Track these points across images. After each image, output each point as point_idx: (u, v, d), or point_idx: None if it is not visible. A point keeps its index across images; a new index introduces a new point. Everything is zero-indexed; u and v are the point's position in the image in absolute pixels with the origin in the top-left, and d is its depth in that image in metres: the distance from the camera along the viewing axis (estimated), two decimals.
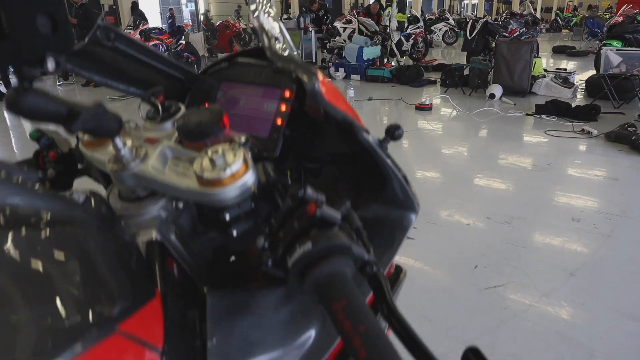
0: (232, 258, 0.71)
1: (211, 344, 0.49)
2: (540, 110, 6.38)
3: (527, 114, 6.46)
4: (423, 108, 6.85)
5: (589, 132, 5.41)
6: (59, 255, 0.39)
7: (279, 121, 0.73)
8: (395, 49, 10.45)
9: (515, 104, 7.02)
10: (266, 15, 0.63)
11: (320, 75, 0.54)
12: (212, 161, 0.52)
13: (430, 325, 2.23)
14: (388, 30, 10.34)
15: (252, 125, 0.75)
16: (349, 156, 0.78)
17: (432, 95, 7.90)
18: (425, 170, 4.42)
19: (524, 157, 4.74)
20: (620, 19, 9.10)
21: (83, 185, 0.83)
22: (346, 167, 0.82)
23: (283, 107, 0.73)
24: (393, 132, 0.72)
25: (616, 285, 2.53)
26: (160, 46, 9.31)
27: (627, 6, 9.57)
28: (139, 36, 8.97)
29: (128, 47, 0.76)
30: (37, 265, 0.37)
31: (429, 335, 2.15)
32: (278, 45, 0.58)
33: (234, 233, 0.56)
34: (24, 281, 0.35)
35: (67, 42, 0.46)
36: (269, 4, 0.70)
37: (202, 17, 17.05)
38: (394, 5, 10.22)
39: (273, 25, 0.63)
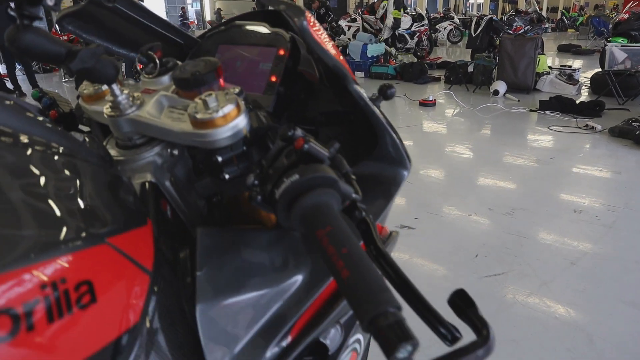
0: (227, 213, 0.73)
1: (200, 275, 0.50)
2: (544, 106, 6.37)
3: (531, 110, 6.45)
4: (426, 104, 6.86)
5: (592, 128, 5.40)
6: (59, 175, 0.41)
7: (273, 78, 0.74)
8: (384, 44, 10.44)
9: (519, 101, 7.01)
10: None
11: (308, 14, 0.55)
12: (205, 103, 0.54)
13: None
14: (383, 25, 10.33)
15: (249, 84, 0.77)
16: (342, 116, 0.80)
17: (436, 92, 7.90)
18: (428, 164, 4.43)
19: (526, 152, 4.73)
20: (626, 16, 9.05)
21: None
22: (340, 128, 0.84)
23: (277, 65, 0.75)
24: (385, 91, 0.73)
25: (617, 274, 2.53)
26: None
27: (633, 3, 9.52)
28: None
29: (129, 9, 0.78)
30: (36, 180, 0.39)
31: None
32: None
33: (226, 176, 0.58)
34: (21, 192, 0.37)
35: None
36: None
37: (214, 16, 17.06)
38: (390, 1, 10.21)
39: None
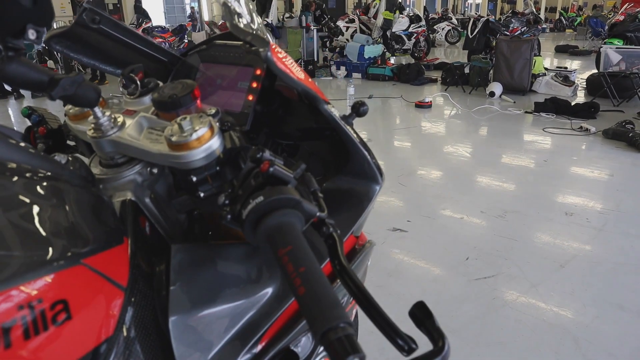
0: (207, 228, 0.76)
1: (174, 289, 0.54)
2: (539, 108, 6.41)
3: (526, 112, 6.49)
4: (423, 106, 6.90)
5: (587, 130, 5.44)
6: (37, 198, 0.45)
7: (250, 97, 0.78)
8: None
9: (515, 102, 7.05)
10: None
11: (273, 45, 0.59)
12: (180, 126, 0.58)
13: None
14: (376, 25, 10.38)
15: (227, 102, 0.81)
16: (319, 132, 0.83)
17: (433, 94, 7.94)
18: (422, 166, 4.46)
19: (520, 154, 4.77)
20: (621, 18, 9.10)
21: None
22: (319, 144, 0.87)
23: (254, 84, 0.78)
24: (358, 109, 0.77)
25: (605, 276, 2.57)
26: (163, 44, 9.40)
27: (628, 5, 9.57)
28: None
29: (113, 30, 0.81)
30: (15, 204, 0.42)
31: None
32: (242, 20, 0.63)
33: (201, 195, 0.61)
34: (4, 214, 0.40)
35: (47, 14, 0.52)
36: None
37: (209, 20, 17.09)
38: (383, 1, 10.25)
39: (239, 4, 0.69)
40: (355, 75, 9.80)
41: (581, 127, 5.53)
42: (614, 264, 2.69)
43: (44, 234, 0.41)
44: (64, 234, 0.44)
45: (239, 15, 0.64)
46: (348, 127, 0.73)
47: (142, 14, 10.28)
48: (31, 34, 0.51)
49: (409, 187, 3.89)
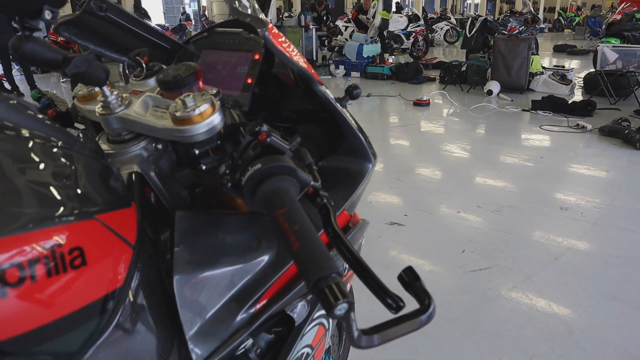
0: (209, 204, 0.80)
1: (177, 251, 0.58)
2: (537, 106, 6.46)
3: (524, 110, 6.53)
4: (421, 104, 6.94)
5: (583, 127, 5.49)
6: (56, 162, 0.49)
7: (249, 80, 0.82)
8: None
9: (512, 100, 7.10)
10: None
11: (270, 25, 0.63)
12: (184, 102, 0.62)
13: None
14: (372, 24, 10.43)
15: (228, 85, 0.85)
16: (314, 114, 0.88)
17: (431, 92, 7.99)
18: (420, 162, 4.51)
19: (517, 151, 4.82)
20: (618, 17, 9.15)
21: None
22: (314, 127, 0.91)
23: (253, 68, 0.83)
24: (352, 92, 0.81)
25: (599, 268, 2.62)
26: None
27: (625, 4, 9.63)
28: None
29: (119, 17, 0.85)
30: (36, 164, 0.47)
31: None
32: (242, 3, 0.68)
33: (203, 167, 0.65)
34: (23, 172, 0.45)
35: None
36: None
37: (201, 18, 17.06)
38: (380, 1, 10.31)
39: None
40: (354, 74, 9.85)
41: (578, 125, 5.58)
42: (607, 257, 2.74)
43: (61, 191, 0.46)
44: (78, 192, 0.48)
45: (239, 1, 0.69)
46: (342, 108, 0.77)
47: (141, 14, 10.33)
48: (47, 14, 0.55)
49: (407, 182, 3.93)
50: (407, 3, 29.37)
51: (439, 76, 8.92)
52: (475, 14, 25.32)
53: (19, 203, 0.41)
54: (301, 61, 0.70)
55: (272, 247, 0.68)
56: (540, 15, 20.67)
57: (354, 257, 0.56)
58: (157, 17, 18.56)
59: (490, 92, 7.39)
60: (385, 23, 10.45)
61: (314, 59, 10.33)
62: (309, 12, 11.35)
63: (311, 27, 10.05)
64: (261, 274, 0.65)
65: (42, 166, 0.47)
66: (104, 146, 0.69)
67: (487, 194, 3.69)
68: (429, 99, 7.06)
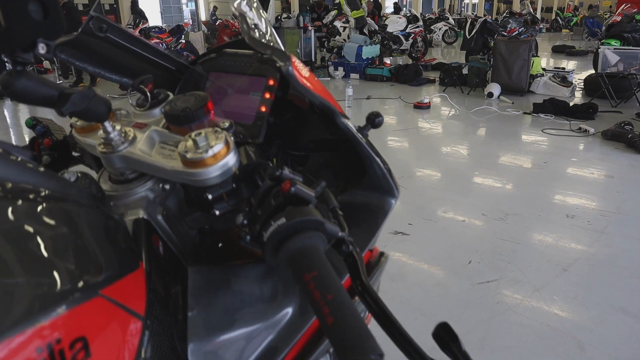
0: (218, 242, 0.74)
1: (192, 315, 0.52)
2: (538, 109, 6.41)
3: (525, 113, 6.48)
4: (421, 107, 6.89)
5: (585, 131, 5.44)
6: (49, 226, 0.42)
7: (263, 108, 0.76)
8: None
9: (513, 103, 7.05)
10: (248, 5, 0.66)
11: (294, 59, 0.57)
12: (195, 142, 0.55)
13: (423, 319, 2.26)
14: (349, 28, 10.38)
15: (239, 113, 0.79)
16: (332, 143, 0.81)
17: (431, 94, 7.94)
18: (422, 168, 4.45)
19: (520, 155, 4.77)
20: (618, 18, 9.12)
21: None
22: (330, 155, 0.85)
23: (267, 95, 0.76)
24: (373, 120, 0.75)
25: (609, 280, 2.56)
26: (160, 45, 9.35)
27: (625, 5, 9.59)
28: (139, 35, 9.01)
29: (120, 38, 0.79)
30: (26, 234, 0.40)
31: (422, 328, 2.18)
32: (258, 33, 0.61)
33: (217, 212, 0.59)
34: (12, 248, 0.38)
35: (57, 27, 0.49)
36: None
37: (210, 17, 16.85)
38: (345, 7, 10.23)
39: (254, 14, 0.66)
40: (353, 75, 9.79)
41: (580, 128, 5.53)
42: (616, 268, 2.68)
43: (58, 264, 0.39)
44: (79, 263, 0.42)
45: (256, 27, 0.62)
46: (364, 140, 0.71)
47: (138, 15, 10.23)
48: (41, 48, 0.48)
49: (410, 189, 3.87)
50: (404, 3, 29.33)
51: (439, 78, 8.86)
52: (473, 14, 25.30)
53: (5, 289, 0.34)
54: (324, 93, 0.64)
55: (294, 296, 0.62)
56: (538, 15, 20.63)
57: (384, 314, 0.50)
58: (154, 18, 18.42)
59: (490, 95, 7.34)
60: (360, 21, 10.33)
61: (313, 60, 10.26)
62: (307, 14, 11.27)
63: (310, 28, 9.97)
64: (285, 330, 0.59)
65: (32, 232, 0.40)
66: (106, 186, 0.63)
67: (491, 201, 3.63)
68: (429, 102, 7.00)
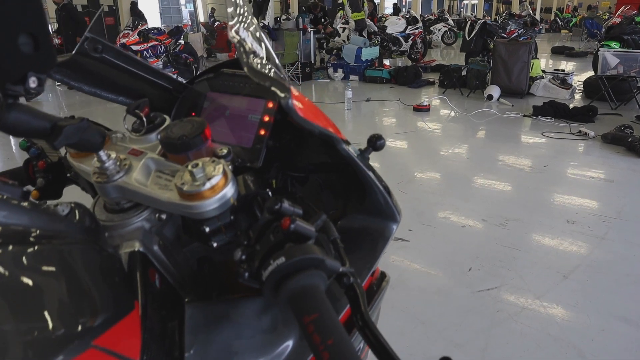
0: (216, 271, 0.72)
1: (189, 355, 0.50)
2: (538, 111, 6.40)
3: (525, 116, 6.47)
4: (421, 109, 6.87)
5: (585, 134, 5.43)
6: (39, 272, 0.41)
7: (262, 132, 0.74)
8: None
9: (513, 105, 7.04)
10: (245, 29, 0.64)
11: (294, 91, 0.55)
12: (192, 174, 0.54)
13: (423, 327, 2.24)
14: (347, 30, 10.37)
15: (237, 136, 0.77)
16: (332, 165, 0.80)
17: (430, 96, 7.93)
18: (421, 172, 4.44)
19: (520, 159, 4.75)
20: (618, 20, 9.11)
21: (73, 192, 0.84)
22: (330, 176, 0.83)
23: (266, 118, 0.74)
24: (375, 142, 0.73)
25: (609, 288, 2.55)
26: (159, 47, 9.31)
27: (625, 7, 9.59)
28: (138, 37, 8.97)
29: (116, 58, 0.77)
30: (15, 282, 0.38)
31: (422, 336, 2.17)
32: (256, 60, 0.59)
33: (214, 245, 0.57)
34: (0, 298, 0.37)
35: (49, 60, 0.48)
36: (249, 18, 0.71)
37: (208, 19, 16.76)
38: (346, 8, 10.22)
39: (252, 39, 0.65)
40: (353, 77, 9.78)
41: (580, 131, 5.52)
42: (617, 275, 2.67)
43: (48, 314, 0.38)
44: (71, 311, 0.40)
45: (254, 54, 0.60)
46: (365, 165, 0.69)
47: (137, 16, 10.20)
48: (32, 82, 0.47)
49: (409, 194, 3.86)
50: (403, 4, 29.31)
51: (439, 80, 8.84)
52: (472, 14, 25.30)
53: None
54: (324, 121, 0.62)
55: (295, 330, 0.60)
56: (537, 16, 20.61)
57: (382, 348, 0.48)
58: (153, 18, 18.38)
59: (490, 97, 7.33)
60: (361, 23, 10.32)
61: (312, 62, 10.24)
62: (306, 15, 11.25)
63: (309, 29, 9.94)
64: None
65: (21, 282, 0.39)
66: (101, 215, 0.61)
67: (491, 206, 3.62)
68: (429, 104, 6.99)
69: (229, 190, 0.55)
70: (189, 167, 0.54)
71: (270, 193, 0.61)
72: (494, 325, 2.26)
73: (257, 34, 0.69)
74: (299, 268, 0.48)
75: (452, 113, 6.86)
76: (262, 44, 0.67)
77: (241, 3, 0.68)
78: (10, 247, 0.41)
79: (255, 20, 0.71)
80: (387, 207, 0.75)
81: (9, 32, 0.44)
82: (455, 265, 2.80)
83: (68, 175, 0.83)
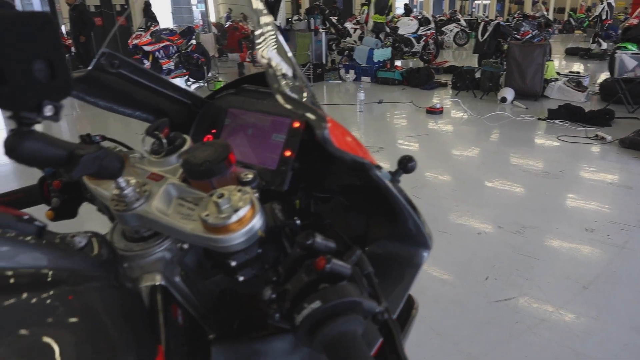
0: (240, 303, 0.69)
1: None
2: (553, 114, 6.30)
3: (540, 119, 6.38)
4: (434, 112, 6.80)
5: (602, 138, 5.33)
6: (53, 322, 0.37)
7: (287, 153, 0.70)
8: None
9: (527, 108, 6.95)
10: (272, 47, 0.60)
11: (329, 120, 0.51)
12: (217, 205, 0.50)
13: (438, 338, 2.19)
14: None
15: (260, 156, 0.73)
16: (360, 187, 0.76)
17: (443, 99, 7.85)
18: (435, 176, 4.38)
19: (536, 164, 4.67)
20: (635, 21, 8.96)
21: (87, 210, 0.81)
22: (357, 197, 0.79)
23: (292, 139, 0.71)
24: (406, 164, 0.69)
25: (631, 299, 2.48)
26: (171, 47, 9.33)
27: None
28: (150, 37, 8.99)
29: (133, 73, 0.74)
30: (27, 334, 0.35)
31: (438, 348, 2.12)
32: (285, 82, 0.55)
33: (240, 279, 0.54)
34: (9, 352, 0.33)
35: (65, 88, 0.44)
36: (275, 34, 0.67)
37: (224, 19, 16.73)
38: (371, 6, 10.16)
39: (280, 59, 0.61)
40: (364, 78, 9.71)
41: (597, 136, 5.42)
42: (638, 286, 2.60)
43: None
44: None
45: (284, 76, 0.57)
46: (397, 190, 0.65)
47: (150, 17, 10.23)
48: (48, 110, 0.43)
49: (423, 199, 3.81)
50: (414, 4, 29.15)
51: (451, 82, 8.75)
52: (484, 15, 25.10)
53: None
54: (356, 147, 0.58)
55: None
56: (550, 16, 20.37)
57: None
58: (165, 19, 18.41)
59: (504, 100, 7.24)
60: (379, 27, 10.27)
61: (324, 62, 10.19)
62: (318, 16, 11.21)
63: (321, 30, 9.91)
64: None
65: (35, 337, 0.35)
66: (120, 244, 0.58)
67: (507, 212, 3.55)
68: (442, 107, 6.91)
69: (257, 222, 0.51)
70: (214, 198, 0.51)
71: (298, 222, 0.57)
72: (512, 337, 2.21)
73: (283, 50, 0.65)
74: (335, 313, 0.44)
75: (465, 116, 6.78)
76: (288, 61, 0.63)
77: (267, 21, 0.64)
78: (24, 295, 0.37)
79: (280, 36, 0.67)
80: (418, 233, 0.71)
81: (24, 58, 0.41)
82: (471, 273, 2.74)
83: (83, 194, 0.79)
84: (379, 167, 0.62)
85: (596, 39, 13.27)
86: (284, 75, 0.57)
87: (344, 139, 0.55)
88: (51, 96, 0.43)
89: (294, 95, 0.54)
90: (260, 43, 0.59)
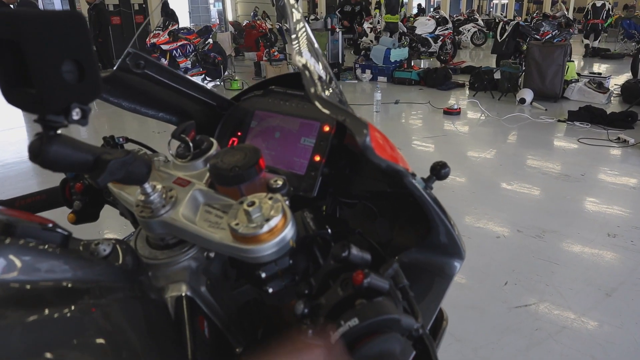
0: (266, 312, 0.67)
1: None
2: (573, 116, 6.18)
3: (559, 121, 6.27)
4: (451, 113, 6.73)
5: (625, 141, 5.22)
6: (78, 339, 0.36)
7: (316, 158, 0.68)
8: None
9: (546, 110, 6.83)
10: (307, 49, 0.58)
11: (371, 127, 0.49)
12: (248, 214, 0.48)
13: (458, 345, 2.16)
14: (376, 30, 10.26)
15: (288, 161, 0.71)
16: (390, 194, 0.73)
17: (460, 99, 7.76)
18: (453, 177, 4.32)
19: (556, 166, 4.59)
20: None
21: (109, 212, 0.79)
22: (384, 204, 0.77)
23: (321, 143, 0.68)
24: (439, 171, 0.67)
25: None
26: (188, 46, 9.36)
27: None
28: (168, 36, 9.04)
29: (158, 74, 0.72)
30: (52, 351, 0.33)
31: (457, 355, 2.08)
32: (321, 86, 0.53)
33: (270, 290, 0.51)
34: None
35: (95, 90, 0.42)
36: (306, 32, 0.65)
37: (252, 18, 16.66)
38: (382, 8, 10.10)
39: (315, 60, 0.58)
40: (381, 78, 9.65)
41: (619, 138, 5.31)
42: None
43: None
44: None
45: (320, 79, 0.54)
46: (431, 198, 0.62)
47: (168, 16, 10.26)
48: (76, 114, 0.42)
49: (442, 201, 3.74)
50: (432, 3, 28.90)
51: (469, 82, 8.65)
52: (502, 14, 24.81)
53: None
54: (394, 154, 0.56)
55: None
56: (570, 16, 20.05)
57: None
58: (182, 18, 18.49)
59: (523, 101, 7.13)
60: (392, 26, 10.18)
61: (340, 62, 10.16)
62: (335, 15, 11.16)
63: (337, 30, 9.86)
64: None
65: (60, 351, 0.33)
66: (144, 251, 0.56)
67: (527, 216, 3.48)
68: (459, 108, 6.83)
69: (289, 232, 0.49)
70: (245, 206, 0.49)
71: (329, 231, 0.55)
72: (533, 344, 2.16)
73: (316, 51, 0.62)
74: (373, 330, 0.42)
75: (483, 117, 6.69)
76: (323, 62, 0.61)
77: (299, 17, 0.62)
78: (46, 311, 0.35)
79: (311, 34, 0.65)
80: (451, 243, 0.68)
81: (52, 58, 0.39)
82: (491, 278, 2.69)
83: (105, 197, 0.78)
84: (413, 175, 0.59)
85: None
86: (320, 79, 0.55)
87: (383, 145, 0.52)
88: (80, 99, 0.41)
89: (333, 100, 0.52)
90: (294, 42, 0.56)
